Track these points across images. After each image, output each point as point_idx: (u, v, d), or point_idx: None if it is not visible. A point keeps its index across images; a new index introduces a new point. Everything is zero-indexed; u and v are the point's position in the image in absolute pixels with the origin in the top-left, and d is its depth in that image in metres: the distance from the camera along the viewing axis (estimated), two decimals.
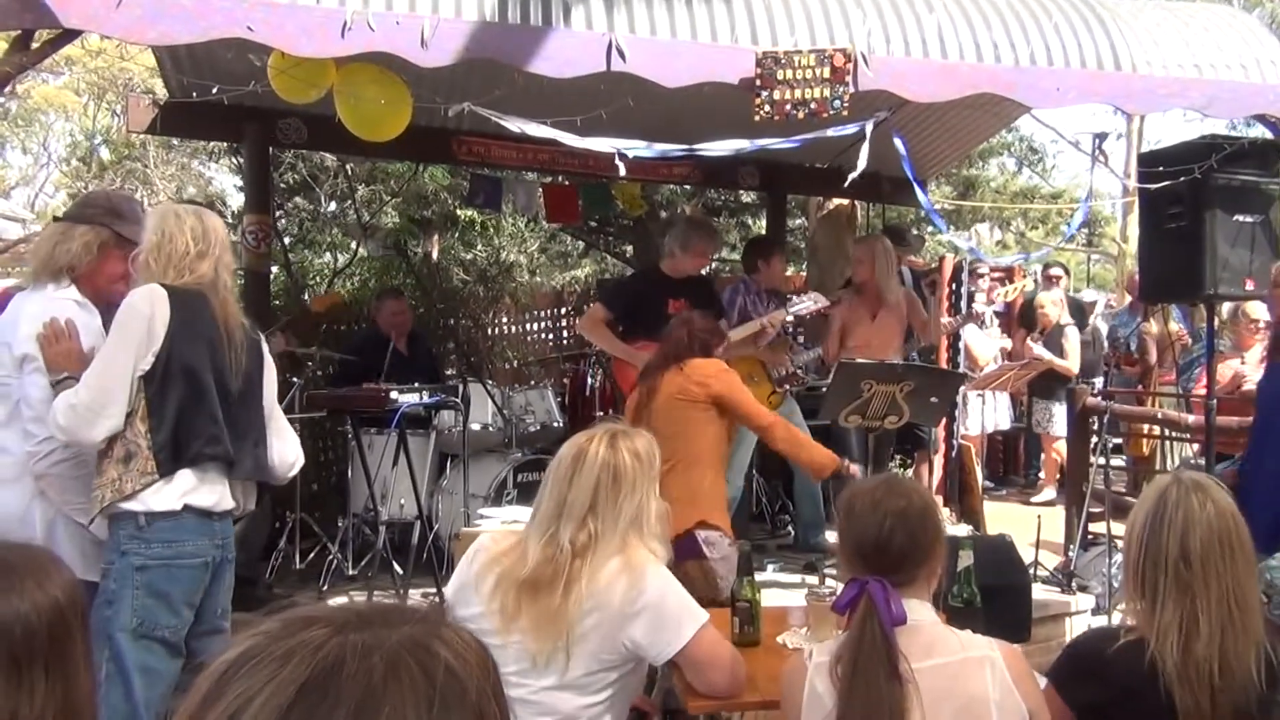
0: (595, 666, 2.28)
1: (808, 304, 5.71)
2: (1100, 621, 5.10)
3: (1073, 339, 7.87)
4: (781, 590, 5.20)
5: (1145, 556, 2.01)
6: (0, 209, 16.06)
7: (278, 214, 8.50)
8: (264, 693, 0.76)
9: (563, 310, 9.54)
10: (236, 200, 13.14)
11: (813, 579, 5.65)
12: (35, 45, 4.02)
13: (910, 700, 1.82)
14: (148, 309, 2.76)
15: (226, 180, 14.18)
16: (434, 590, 5.08)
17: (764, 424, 4.02)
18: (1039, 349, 7.77)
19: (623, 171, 4.64)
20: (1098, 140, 5.28)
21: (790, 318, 5.73)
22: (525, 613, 2.27)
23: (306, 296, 8.14)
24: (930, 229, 12.83)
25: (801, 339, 7.33)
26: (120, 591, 2.71)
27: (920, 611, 1.96)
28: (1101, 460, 5.53)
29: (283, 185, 9.73)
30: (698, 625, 2.30)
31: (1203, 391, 5.55)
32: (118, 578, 2.72)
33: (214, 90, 4.31)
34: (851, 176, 4.80)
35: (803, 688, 1.98)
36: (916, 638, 1.90)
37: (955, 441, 7.35)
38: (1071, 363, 7.79)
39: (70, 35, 4.03)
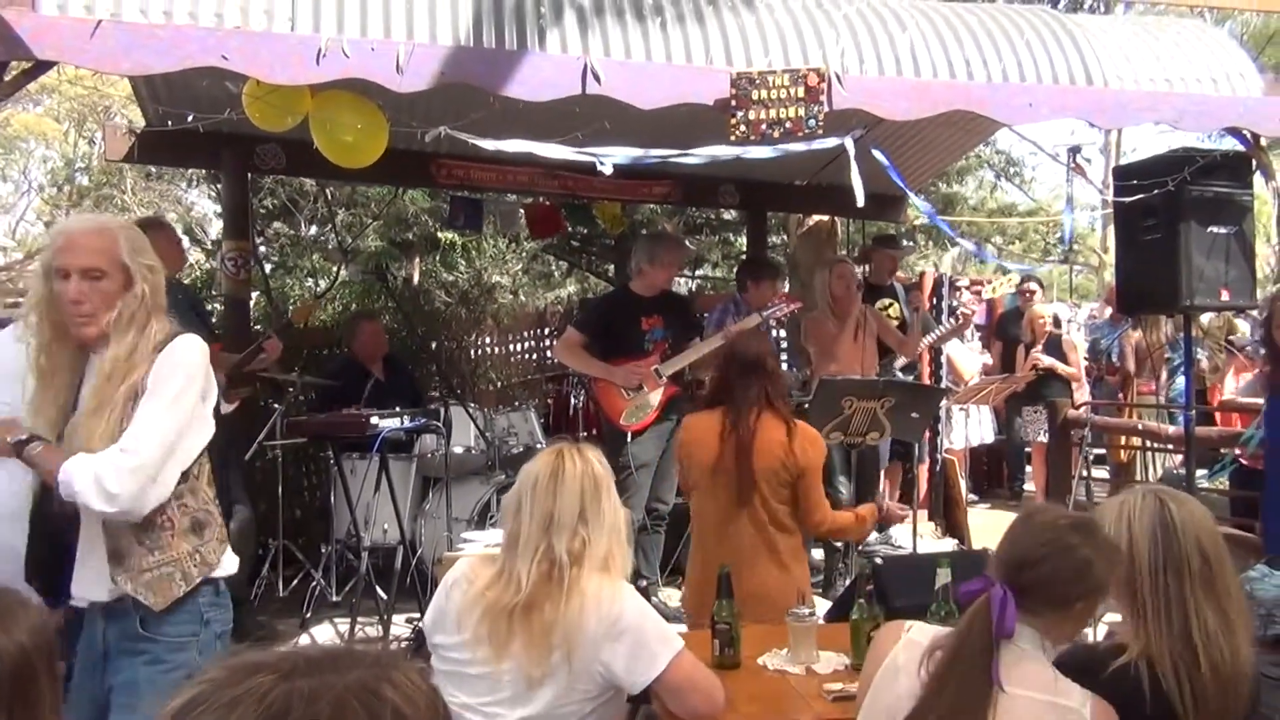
0: (573, 698, 2.27)
1: (781, 307, 5.71)
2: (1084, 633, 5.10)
3: (1075, 346, 8.06)
4: None
5: (1165, 569, 2.00)
6: None
7: (258, 240, 8.47)
8: None
9: (546, 330, 9.54)
10: (217, 226, 13.12)
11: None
12: (9, 76, 4.01)
13: (992, 714, 1.80)
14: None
15: (207, 206, 14.15)
16: (418, 615, 5.06)
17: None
18: (1045, 358, 7.88)
19: (609, 171, 4.60)
20: (1073, 154, 5.33)
21: (764, 320, 5.70)
22: (519, 634, 2.26)
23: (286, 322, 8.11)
24: (907, 243, 12.88)
25: (785, 359, 7.34)
26: (208, 663, 2.58)
27: (1032, 642, 1.90)
28: (1084, 472, 5.55)
29: (262, 210, 9.71)
30: (674, 651, 2.29)
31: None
32: (203, 649, 2.47)
33: (190, 118, 4.31)
34: (860, 201, 4.77)
35: (888, 652, 1.99)
36: (1017, 664, 1.87)
37: (939, 456, 7.37)
38: (1075, 368, 7.95)
39: (45, 66, 4.03)
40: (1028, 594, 1.89)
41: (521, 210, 8.04)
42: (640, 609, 2.31)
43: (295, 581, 5.67)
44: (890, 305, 6.64)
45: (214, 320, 5.24)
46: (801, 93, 4.33)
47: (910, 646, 1.98)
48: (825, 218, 8.42)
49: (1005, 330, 8.73)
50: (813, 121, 4.37)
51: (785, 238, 11.28)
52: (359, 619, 5.06)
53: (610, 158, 4.58)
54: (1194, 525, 2.03)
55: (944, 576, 2.54)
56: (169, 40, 3.78)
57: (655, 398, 5.38)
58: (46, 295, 2.41)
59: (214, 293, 6.61)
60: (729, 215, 11.70)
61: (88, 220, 2.52)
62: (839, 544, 5.72)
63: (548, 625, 2.25)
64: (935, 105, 4.52)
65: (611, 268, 11.73)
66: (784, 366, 6.46)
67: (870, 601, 2.73)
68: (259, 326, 7.15)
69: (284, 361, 5.67)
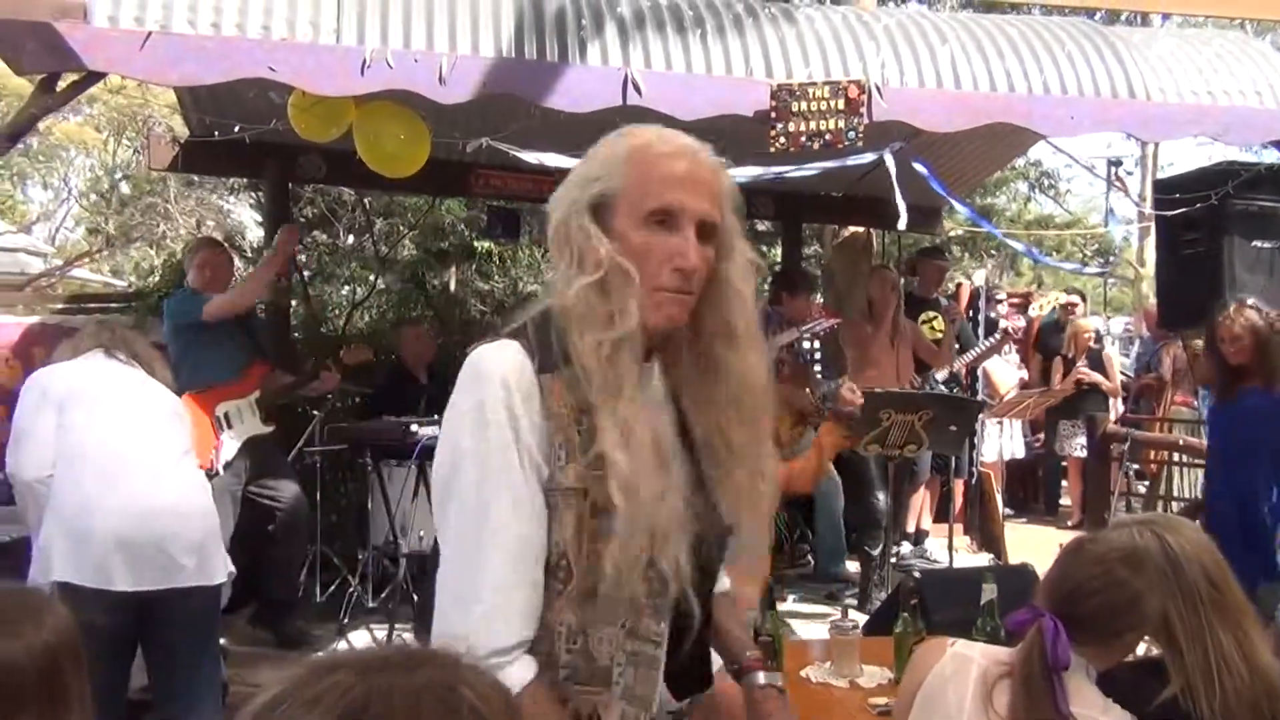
0: None
1: (820, 323, 5.70)
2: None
3: (1113, 360, 8.00)
4: (802, 621, 5.18)
5: (1181, 602, 1.98)
6: (22, 243, 16.25)
7: (297, 248, 8.58)
8: None
9: None
10: (254, 234, 13.26)
11: (832, 609, 5.62)
12: (61, 87, 4.10)
13: None
14: None
15: (245, 214, 14.32)
16: None
17: None
18: (1088, 372, 7.84)
19: None
20: (1114, 166, 5.29)
21: (797, 334, 5.70)
22: None
23: (325, 330, 8.19)
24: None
25: (819, 370, 7.32)
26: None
27: (1078, 666, 1.88)
28: (1124, 487, 5.49)
29: (302, 219, 9.81)
30: (714, 664, 2.28)
31: None
32: None
33: (236, 128, 4.37)
34: (903, 220, 4.79)
35: (930, 669, 1.96)
36: (1071, 690, 1.85)
37: (975, 469, 7.32)
38: (1114, 382, 7.91)
39: (95, 77, 4.11)
40: (1077, 626, 1.88)
41: None
42: None
43: (333, 587, 5.71)
44: (934, 318, 6.60)
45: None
46: (841, 104, 4.34)
47: (957, 658, 1.96)
48: (861, 229, 8.39)
49: (1045, 343, 8.66)
50: (852, 133, 4.38)
51: (820, 248, 11.25)
52: (396, 626, 5.08)
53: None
54: (1194, 551, 2.00)
55: (989, 592, 2.53)
56: (217, 51, 3.84)
57: None
58: (613, 254, 1.46)
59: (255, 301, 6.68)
60: (762, 226, 11.67)
61: (693, 142, 1.57)
62: (875, 556, 5.69)
63: None
64: (976, 117, 4.51)
65: None
66: (819, 377, 6.44)
67: (914, 615, 2.72)
68: (298, 334, 7.22)
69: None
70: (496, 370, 1.46)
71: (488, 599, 1.42)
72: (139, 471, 3.08)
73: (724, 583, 1.79)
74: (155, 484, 3.09)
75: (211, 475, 4.57)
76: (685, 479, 1.53)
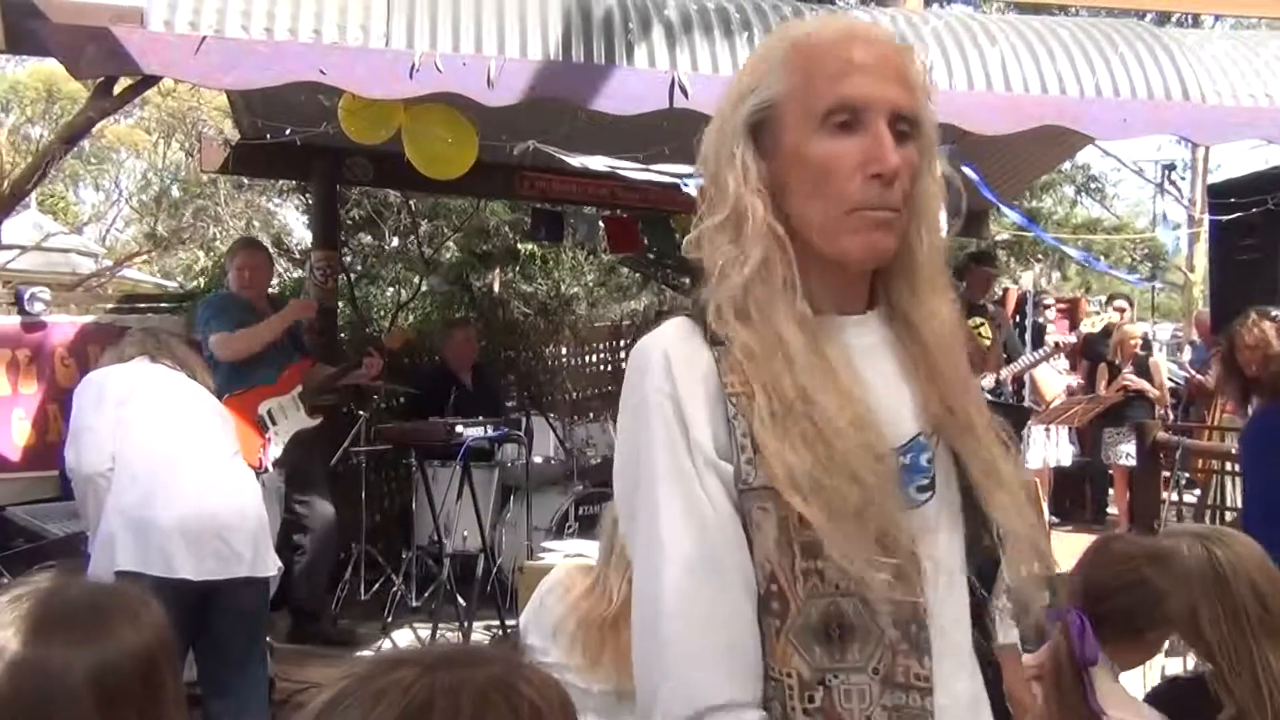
0: None
1: None
2: (1175, 663, 4.97)
3: (1159, 367, 7.87)
4: None
5: (1225, 620, 1.95)
6: (73, 244, 16.55)
7: (342, 249, 8.67)
8: None
9: (621, 342, 9.57)
10: (299, 235, 13.41)
11: None
12: (117, 91, 4.17)
13: None
14: None
15: (291, 216, 14.50)
16: (497, 623, 5.10)
17: None
18: (1135, 379, 7.72)
19: (694, 192, 4.66)
20: (1166, 171, 5.21)
21: None
22: (609, 649, 2.27)
23: (371, 330, 8.27)
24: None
25: None
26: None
27: (1105, 665, 1.89)
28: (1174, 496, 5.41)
29: (348, 221, 9.91)
30: None
31: None
32: None
33: (287, 131, 4.43)
34: (944, 228, 4.76)
35: None
36: (1102, 689, 1.86)
37: None
38: (1161, 390, 7.79)
39: (150, 81, 4.18)
40: (1102, 623, 1.88)
41: (601, 223, 8.09)
42: None
43: (376, 586, 5.75)
44: (981, 325, 6.51)
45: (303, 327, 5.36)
46: None
47: None
48: None
49: (1092, 349, 8.55)
50: None
51: None
52: (439, 626, 5.11)
53: (695, 179, 4.61)
54: (1245, 567, 1.95)
55: (1043, 599, 2.49)
56: (269, 55, 3.89)
57: None
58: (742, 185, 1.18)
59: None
60: None
61: (866, 22, 1.39)
62: None
63: None
64: (1026, 120, 4.46)
65: (688, 280, 11.74)
66: None
67: None
68: (344, 334, 7.29)
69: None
70: (656, 345, 1.16)
71: (671, 636, 1.10)
72: (196, 466, 3.17)
73: (1010, 633, 1.42)
74: (212, 478, 3.17)
75: (261, 473, 4.63)
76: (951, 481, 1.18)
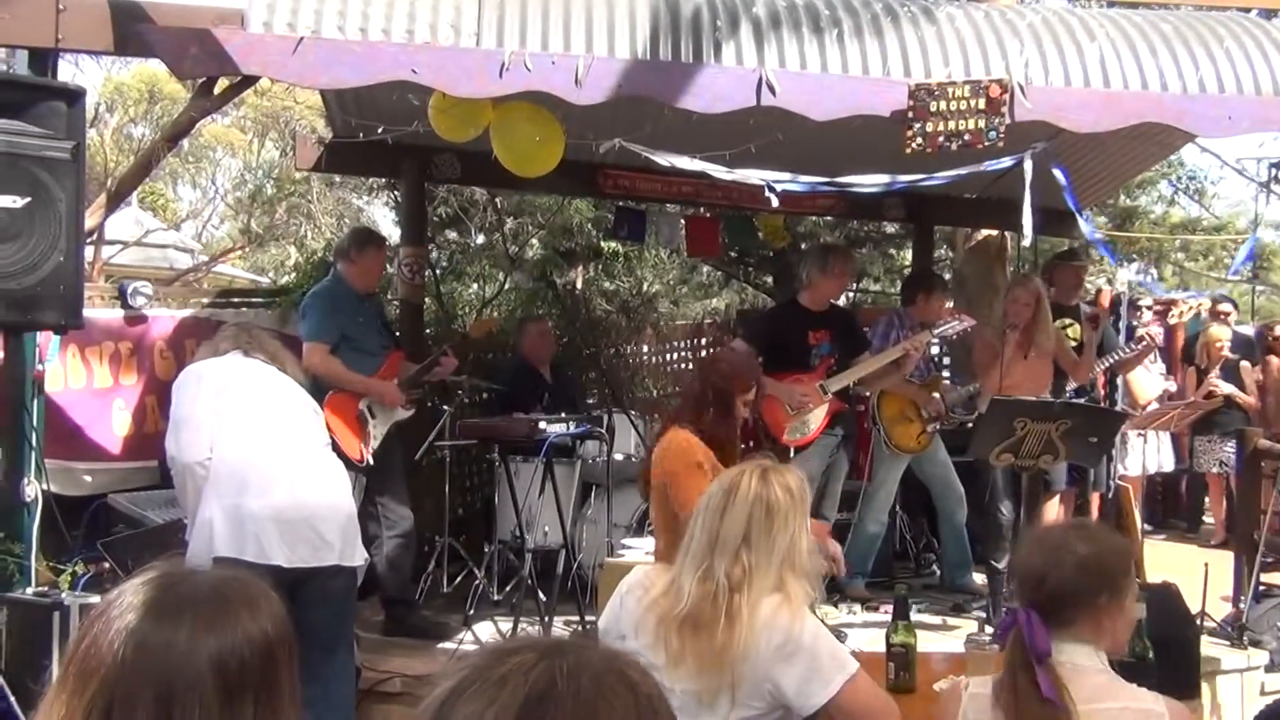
0: (740, 713, 2.26)
1: (953, 325, 5.58)
2: (1275, 680, 4.81)
3: (1250, 371, 7.57)
4: (927, 633, 5.06)
5: None
6: (171, 240, 17.10)
7: (429, 246, 8.80)
8: (488, 715, 0.83)
9: (702, 341, 9.56)
10: (385, 231, 13.63)
11: (958, 621, 5.49)
12: (218, 91, 4.29)
13: None
14: None
15: (378, 213, 14.76)
16: (577, 619, 5.13)
17: None
18: (1223, 384, 7.45)
19: (775, 204, 4.65)
20: (1274, 170, 5.02)
21: (935, 339, 5.63)
22: (689, 651, 2.27)
23: (456, 326, 8.38)
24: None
25: (947, 374, 7.15)
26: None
27: (1079, 656, 1.92)
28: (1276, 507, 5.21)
29: (435, 219, 10.06)
30: (848, 675, 2.25)
31: None
32: None
33: (379, 130, 4.50)
34: (1027, 238, 4.72)
35: (955, 714, 2.00)
36: (1079, 682, 1.87)
37: (1112, 483, 7.02)
38: (1252, 396, 7.49)
39: (249, 81, 4.29)
40: (1052, 609, 1.92)
41: (683, 221, 8.08)
42: (815, 630, 2.28)
43: (459, 579, 5.83)
44: (1070, 325, 6.28)
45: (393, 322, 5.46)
46: (982, 104, 4.22)
47: (975, 699, 1.99)
48: (995, 232, 8.15)
49: (1188, 353, 8.27)
50: (993, 134, 4.26)
51: (950, 252, 10.99)
52: (521, 620, 5.15)
53: (782, 184, 4.59)
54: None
55: (1139, 611, 2.42)
56: (363, 55, 3.97)
57: (820, 413, 5.33)
58: None
59: (389, 297, 6.88)
60: (892, 229, 11.47)
61: None
62: (1001, 570, 5.51)
63: (719, 648, 2.24)
64: (1125, 117, 4.33)
65: (770, 279, 11.68)
66: (946, 381, 6.28)
67: (908, 626, 2.67)
68: (430, 330, 7.40)
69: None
70: None
71: None
72: (290, 456, 3.26)
73: None
74: (305, 468, 3.26)
75: (363, 466, 4.73)
76: None
